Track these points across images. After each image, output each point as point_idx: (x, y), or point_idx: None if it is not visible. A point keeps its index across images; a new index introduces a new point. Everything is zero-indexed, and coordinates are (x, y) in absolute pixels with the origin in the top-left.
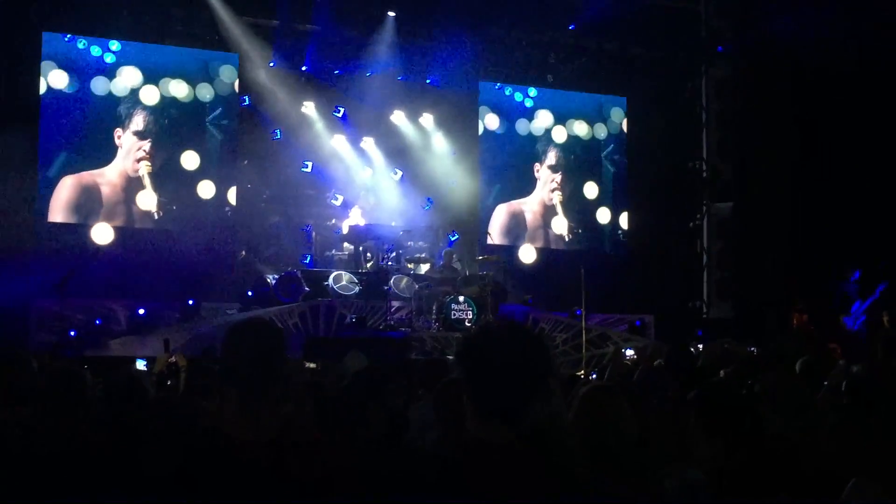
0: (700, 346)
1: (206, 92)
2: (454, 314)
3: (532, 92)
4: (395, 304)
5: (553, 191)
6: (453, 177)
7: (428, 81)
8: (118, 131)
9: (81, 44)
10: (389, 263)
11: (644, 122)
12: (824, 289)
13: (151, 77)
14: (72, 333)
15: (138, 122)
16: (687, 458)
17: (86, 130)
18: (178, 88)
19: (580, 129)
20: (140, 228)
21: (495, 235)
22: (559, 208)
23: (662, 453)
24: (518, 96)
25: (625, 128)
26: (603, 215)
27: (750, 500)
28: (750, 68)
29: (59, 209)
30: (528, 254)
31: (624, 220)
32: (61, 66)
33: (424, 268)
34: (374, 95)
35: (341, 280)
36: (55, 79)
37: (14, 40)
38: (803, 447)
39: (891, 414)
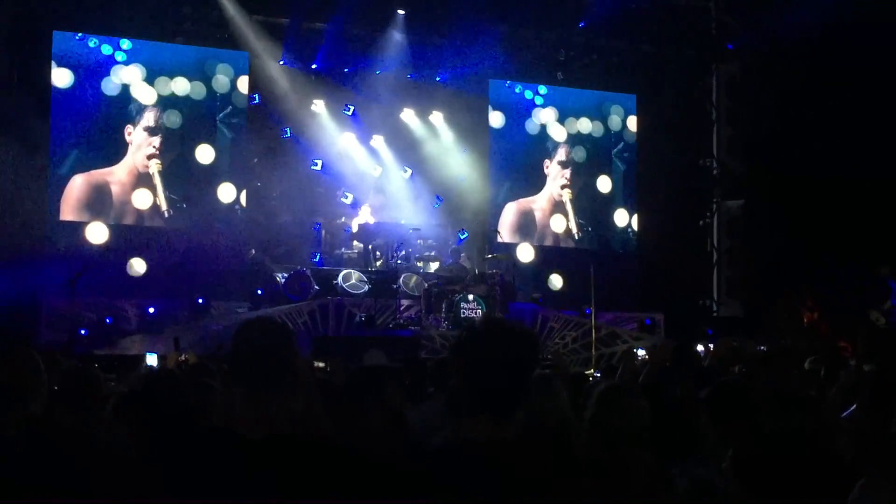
0: (711, 346)
1: (216, 90)
2: (464, 312)
3: (542, 90)
4: (405, 302)
5: (563, 188)
6: (463, 174)
7: (438, 79)
8: (129, 128)
9: (92, 42)
10: (399, 262)
11: (654, 120)
12: (836, 286)
13: (162, 75)
14: (83, 332)
15: (149, 119)
16: (697, 457)
17: (96, 128)
18: (189, 86)
19: (590, 126)
20: (150, 226)
21: (505, 234)
22: (569, 206)
23: (672, 452)
24: (528, 94)
25: (635, 125)
26: (613, 213)
27: (760, 499)
28: (760, 65)
29: (69, 208)
30: (525, 252)
31: (634, 217)
32: (72, 64)
33: (434, 266)
34: (384, 93)
35: (351, 278)
36: (66, 77)
37: (25, 39)
38: (814, 446)
39: None
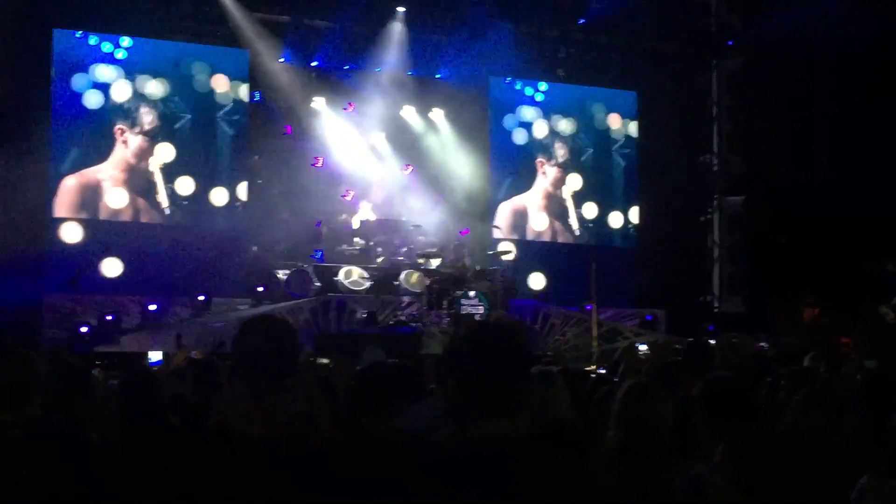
0: (713, 342)
1: (216, 87)
2: (465, 309)
3: (542, 86)
4: (406, 299)
5: (563, 185)
6: (463, 171)
7: (438, 76)
8: (124, 125)
9: (93, 40)
10: (400, 258)
11: (654, 116)
12: (837, 281)
13: (162, 72)
14: (84, 329)
15: (149, 117)
16: (695, 455)
17: (97, 127)
18: (189, 84)
19: (590, 123)
20: (149, 223)
21: (503, 231)
22: (569, 202)
23: (675, 450)
24: (528, 91)
25: (635, 122)
26: (613, 209)
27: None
28: (760, 61)
29: (63, 208)
30: (505, 249)
31: (634, 214)
32: (72, 62)
33: (435, 262)
34: (384, 90)
35: (352, 275)
36: (66, 75)
37: (25, 38)
38: (813, 444)
39: None
